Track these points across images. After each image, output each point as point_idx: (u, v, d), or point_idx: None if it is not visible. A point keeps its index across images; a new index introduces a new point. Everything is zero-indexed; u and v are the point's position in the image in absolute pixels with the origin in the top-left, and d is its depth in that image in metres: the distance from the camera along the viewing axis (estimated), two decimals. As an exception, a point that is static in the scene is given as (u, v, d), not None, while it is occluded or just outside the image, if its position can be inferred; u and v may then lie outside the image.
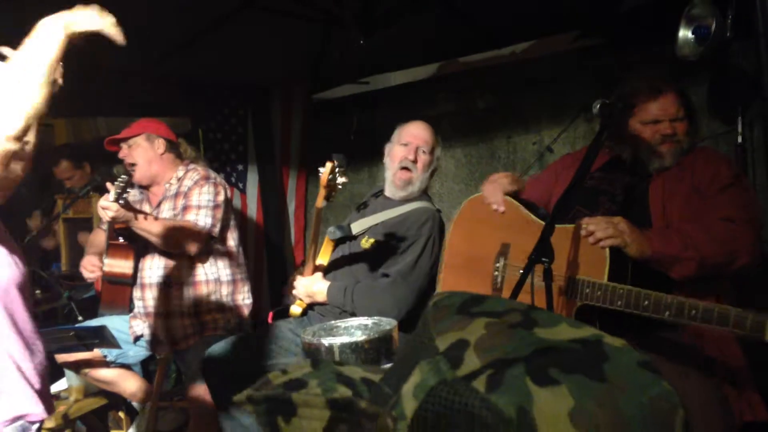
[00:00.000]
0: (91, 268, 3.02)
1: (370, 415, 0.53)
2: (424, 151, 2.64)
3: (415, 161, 2.62)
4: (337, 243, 2.67)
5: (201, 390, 2.61)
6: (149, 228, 2.75)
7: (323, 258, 2.64)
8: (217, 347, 2.52)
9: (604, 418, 0.46)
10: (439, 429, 0.49)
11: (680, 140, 2.09)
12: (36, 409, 1.62)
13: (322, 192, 2.27)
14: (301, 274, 2.67)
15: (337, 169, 2.20)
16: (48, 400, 1.69)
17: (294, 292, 2.64)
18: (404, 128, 2.71)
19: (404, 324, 2.18)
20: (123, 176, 2.67)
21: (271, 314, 2.90)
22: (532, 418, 0.46)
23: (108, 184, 2.70)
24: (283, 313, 2.76)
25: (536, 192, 2.36)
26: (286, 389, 0.60)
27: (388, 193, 2.73)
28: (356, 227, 2.68)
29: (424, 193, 2.73)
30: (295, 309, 2.66)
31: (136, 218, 2.71)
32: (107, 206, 2.61)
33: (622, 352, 0.50)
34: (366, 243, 2.60)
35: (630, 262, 1.85)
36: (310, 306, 2.65)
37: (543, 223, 2.14)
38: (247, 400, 0.62)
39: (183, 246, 2.83)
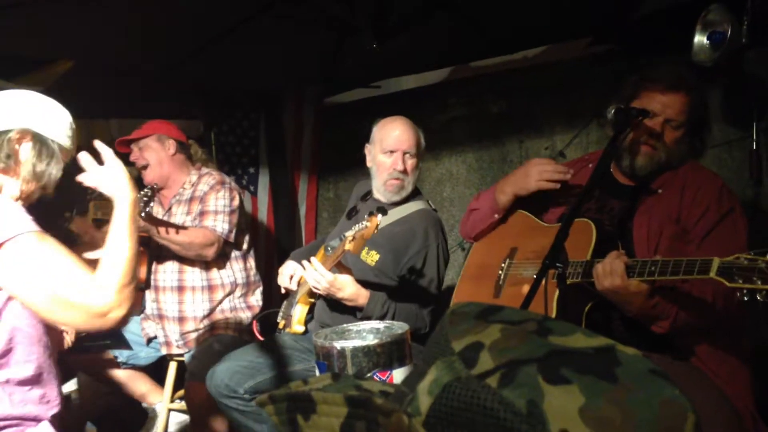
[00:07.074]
0: None
1: (386, 412, 0.54)
2: (410, 155, 2.52)
3: (404, 171, 2.52)
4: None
5: (200, 388, 2.60)
6: (169, 237, 2.78)
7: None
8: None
9: (614, 416, 0.47)
10: (453, 423, 0.51)
11: (659, 147, 1.98)
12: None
13: (359, 243, 2.15)
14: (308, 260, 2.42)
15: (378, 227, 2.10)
16: (48, 402, 1.67)
17: (308, 276, 2.35)
18: (386, 132, 2.54)
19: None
20: (147, 189, 2.69)
21: (255, 323, 2.88)
22: (542, 411, 0.47)
23: None
24: (267, 321, 2.67)
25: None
26: None
27: (379, 197, 2.60)
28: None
29: (416, 190, 2.63)
30: (298, 327, 2.57)
31: (156, 230, 2.74)
32: None
33: (635, 359, 0.51)
34: (368, 258, 2.48)
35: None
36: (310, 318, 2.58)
37: (547, 225, 2.15)
38: (269, 400, 0.63)
39: (201, 252, 2.86)
